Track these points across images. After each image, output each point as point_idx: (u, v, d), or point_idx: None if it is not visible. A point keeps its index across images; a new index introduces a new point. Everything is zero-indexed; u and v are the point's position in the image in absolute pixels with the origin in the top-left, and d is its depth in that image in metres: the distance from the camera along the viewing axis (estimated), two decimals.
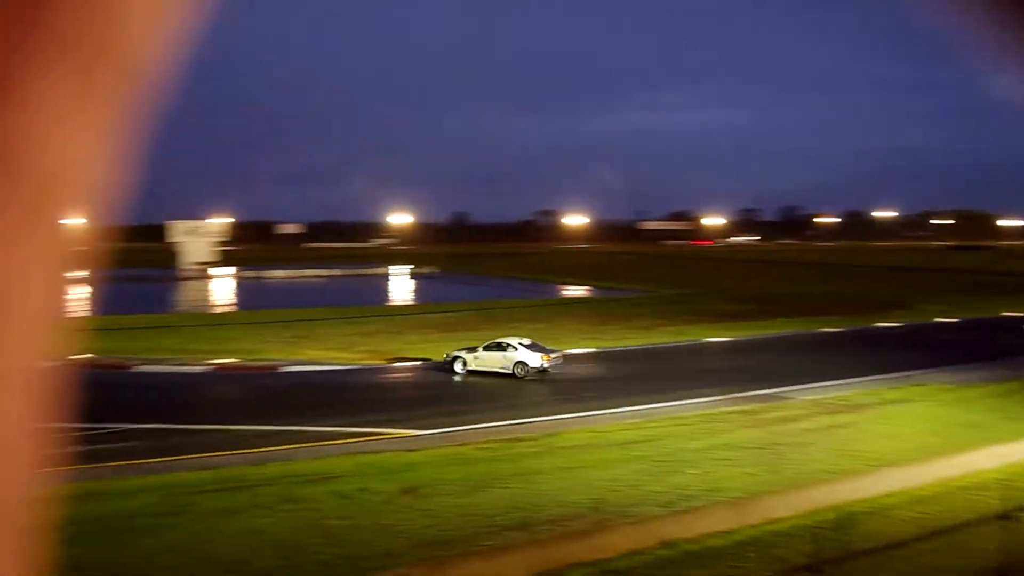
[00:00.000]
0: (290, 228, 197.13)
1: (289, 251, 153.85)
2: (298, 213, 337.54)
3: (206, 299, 70.91)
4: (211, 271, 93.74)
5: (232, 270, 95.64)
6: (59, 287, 0.82)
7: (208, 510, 17.79)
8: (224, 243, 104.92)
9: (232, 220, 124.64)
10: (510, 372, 33.07)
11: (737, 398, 28.83)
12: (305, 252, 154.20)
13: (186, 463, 21.25)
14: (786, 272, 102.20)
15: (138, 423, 24.96)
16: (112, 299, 66.72)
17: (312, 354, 37.74)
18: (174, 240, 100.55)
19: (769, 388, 30.26)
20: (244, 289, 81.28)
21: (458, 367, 34.00)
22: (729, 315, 54.04)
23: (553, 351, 34.51)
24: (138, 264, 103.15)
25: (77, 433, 21.65)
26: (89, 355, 36.21)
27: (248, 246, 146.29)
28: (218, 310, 63.13)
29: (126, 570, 14.88)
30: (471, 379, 32.89)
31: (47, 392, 0.79)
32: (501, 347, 33.78)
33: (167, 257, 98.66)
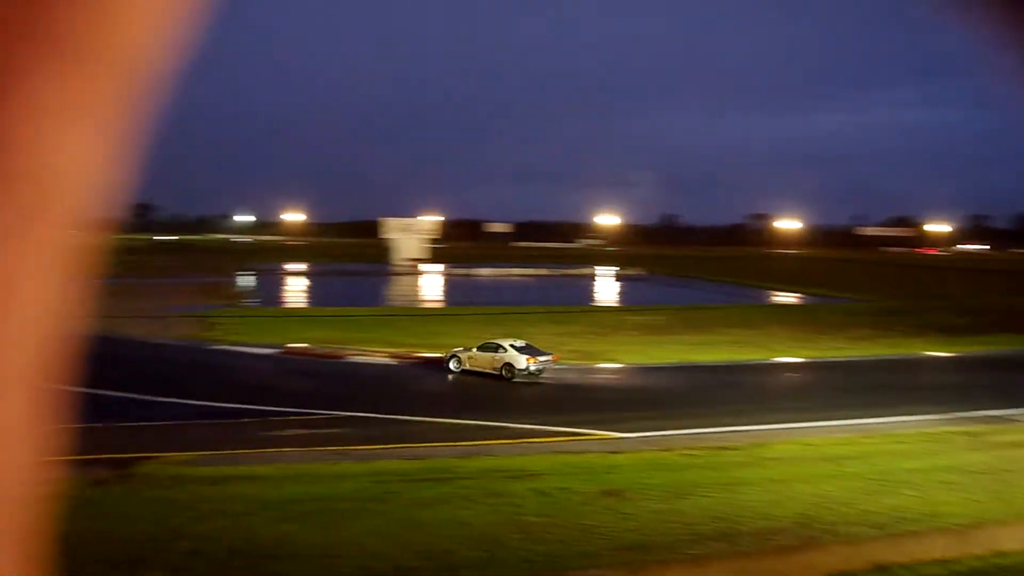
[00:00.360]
0: (498, 227, 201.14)
1: (497, 250, 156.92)
2: (506, 212, 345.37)
3: (416, 294, 73.30)
4: (422, 267, 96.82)
5: (442, 267, 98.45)
6: (61, 288, 0.79)
7: (413, 499, 18.21)
8: (435, 240, 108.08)
9: (443, 218, 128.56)
10: (498, 373, 32.45)
11: (960, 418, 26.68)
12: (512, 251, 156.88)
13: (393, 452, 21.93)
14: (1018, 284, 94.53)
15: (349, 411, 26.05)
16: (328, 292, 70.48)
17: None
18: (387, 237, 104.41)
19: (996, 409, 27.80)
20: (453, 286, 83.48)
21: (452, 365, 33.54)
22: (952, 328, 50.27)
23: (543, 354, 33.19)
24: (352, 259, 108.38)
25: (293, 418, 22.90)
26: (305, 344, 38.26)
27: (457, 244, 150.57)
28: (428, 305, 65.08)
29: (336, 550, 15.39)
30: (672, 382, 32.36)
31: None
32: (493, 347, 33.24)
33: (380, 253, 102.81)
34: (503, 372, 32.52)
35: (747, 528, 16.84)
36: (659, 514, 17.62)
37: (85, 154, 0.75)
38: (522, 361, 32.42)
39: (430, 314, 56.27)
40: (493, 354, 33.09)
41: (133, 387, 28.87)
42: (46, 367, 0.77)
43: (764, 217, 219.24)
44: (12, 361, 0.73)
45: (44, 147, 0.71)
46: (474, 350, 33.66)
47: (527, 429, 24.52)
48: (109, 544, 15.31)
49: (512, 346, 33.16)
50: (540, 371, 32.58)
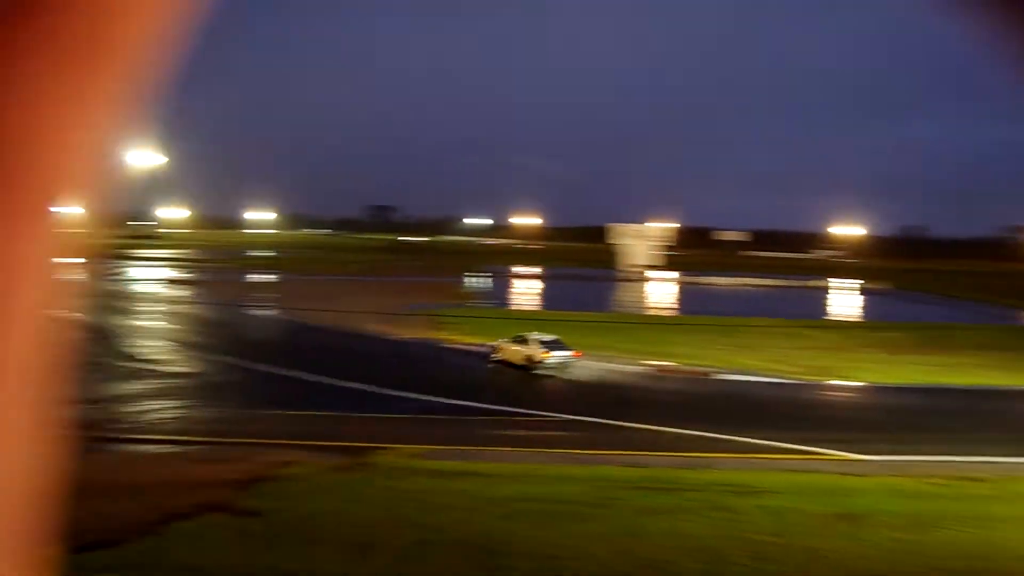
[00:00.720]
0: (731, 235, 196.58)
1: (729, 258, 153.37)
2: (740, 220, 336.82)
3: (645, 301, 72.80)
4: (651, 274, 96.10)
5: (671, 274, 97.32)
6: (58, 281, 0.80)
7: (635, 506, 17.99)
8: (665, 247, 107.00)
9: (674, 225, 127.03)
10: (523, 365, 33.55)
11: None
12: (745, 260, 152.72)
13: (616, 458, 21.78)
14: None
15: (574, 415, 26.18)
16: (557, 295, 71.30)
17: (748, 363, 36.96)
18: (616, 242, 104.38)
19: None
20: (682, 293, 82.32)
21: (493, 356, 35.08)
22: None
23: (564, 349, 33.91)
24: (582, 264, 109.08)
25: (519, 418, 23.24)
26: None
27: (688, 251, 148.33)
28: (656, 313, 64.45)
29: (557, 551, 15.43)
30: (911, 404, 30.31)
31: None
32: (521, 340, 34.49)
33: (610, 258, 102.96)
34: (525, 364, 33.70)
35: (999, 568, 15.41)
36: (897, 544, 16.46)
37: (85, 149, 0.75)
38: (538, 355, 33.60)
39: (658, 322, 55.67)
40: (520, 346, 34.48)
41: (370, 380, 30.38)
42: (45, 360, 0.77)
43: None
44: (12, 356, 0.73)
45: (44, 142, 0.72)
46: (507, 341, 35.17)
47: (756, 444, 23.64)
48: (344, 526, 16.11)
49: (540, 340, 34.35)
50: (559, 365, 33.42)
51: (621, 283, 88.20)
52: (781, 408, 29.03)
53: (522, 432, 24.38)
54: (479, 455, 21.72)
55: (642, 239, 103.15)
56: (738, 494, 19.01)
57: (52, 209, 0.74)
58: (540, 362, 33.52)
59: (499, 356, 35.29)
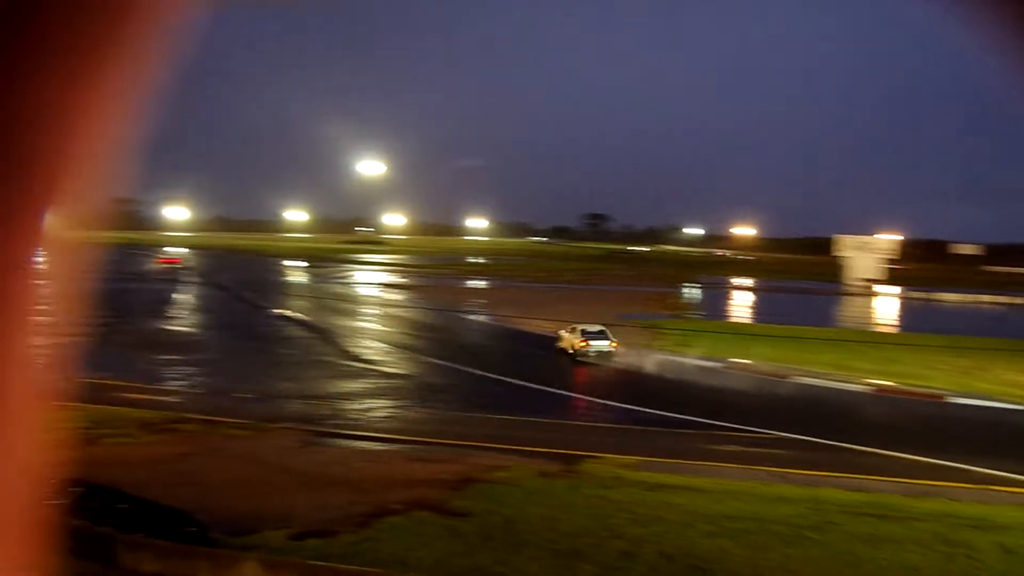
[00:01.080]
0: (966, 248, 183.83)
1: (964, 273, 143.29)
2: (976, 233, 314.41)
3: (869, 316, 69.22)
4: (877, 288, 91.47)
5: (900, 289, 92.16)
6: (65, 279, 0.81)
7: (854, 533, 17.01)
8: (893, 260, 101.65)
9: (903, 237, 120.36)
10: (571, 352, 37.40)
11: None
12: (983, 275, 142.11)
13: (834, 480, 20.73)
14: None
15: (787, 432, 25.19)
16: (775, 308, 69.02)
17: (985, 388, 34.16)
18: (841, 255, 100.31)
19: None
20: (910, 309, 77.56)
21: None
22: None
23: (603, 339, 37.43)
24: (803, 276, 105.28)
25: (733, 433, 22.65)
26: (749, 361, 37.77)
27: (918, 265, 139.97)
28: (881, 329, 61.08)
29: (767, 573, 14.85)
30: None
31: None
32: (573, 330, 38.28)
33: (833, 271, 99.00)
34: (570, 350, 37.64)
35: None
36: None
37: (90, 149, 0.76)
38: (576, 343, 37.48)
39: (884, 340, 52.68)
40: (569, 335, 38.31)
41: (579, 389, 30.59)
42: (47, 359, 0.78)
43: None
44: (13, 353, 0.74)
45: (49, 142, 0.73)
46: (567, 331, 38.87)
47: (995, 476, 21.80)
48: (552, 532, 16.19)
49: (585, 330, 38.03)
50: (596, 353, 36.97)
51: (845, 298, 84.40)
52: (1021, 437, 26.69)
53: (735, 447, 23.71)
54: (691, 469, 21.30)
55: (869, 251, 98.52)
56: (972, 527, 17.55)
57: (51, 210, 0.74)
58: (579, 351, 37.30)
59: (559, 345, 38.95)
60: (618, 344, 37.66)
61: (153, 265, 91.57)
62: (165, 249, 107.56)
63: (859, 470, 21.74)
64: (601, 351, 37.19)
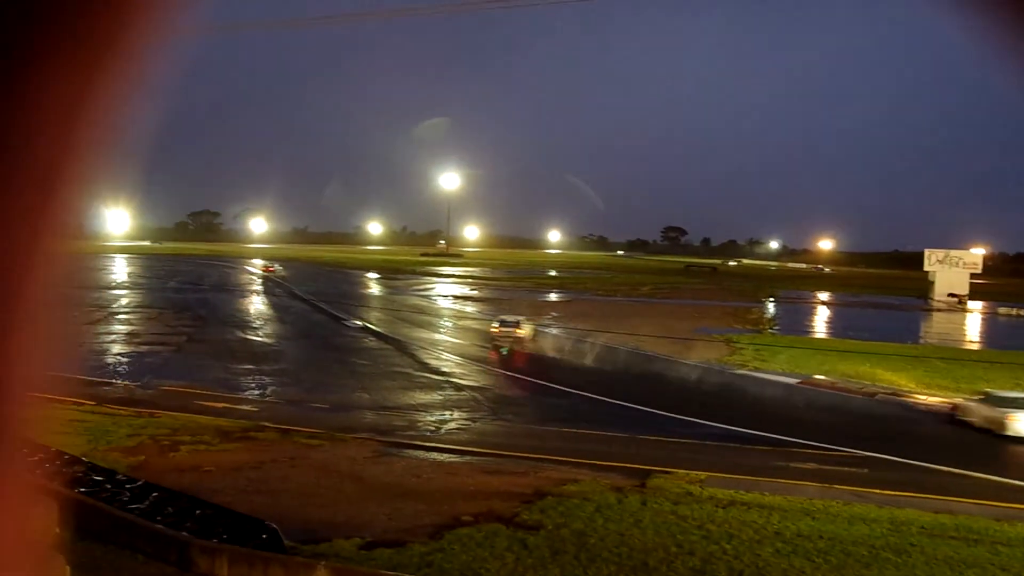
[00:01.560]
0: None
1: None
2: None
3: (957, 333, 67.17)
4: (966, 304, 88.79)
5: (990, 305, 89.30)
6: (58, 279, 0.82)
7: (935, 556, 16.45)
8: (981, 275, 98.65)
9: (993, 251, 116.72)
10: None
11: None
12: None
13: (917, 501, 20.09)
14: None
15: (870, 451, 24.55)
16: (857, 324, 67.39)
17: None
18: (927, 269, 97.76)
19: None
20: (1001, 326, 75.05)
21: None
22: None
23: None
24: (887, 291, 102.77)
25: (810, 451, 22.12)
26: (829, 377, 37.00)
27: (1011, 280, 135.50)
28: (968, 347, 59.19)
29: None
30: None
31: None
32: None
33: (918, 286, 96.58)
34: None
35: None
36: None
37: (85, 151, 0.76)
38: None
39: (970, 357, 51.01)
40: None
41: (652, 403, 30.27)
42: (40, 358, 0.78)
43: None
44: (11, 353, 0.75)
45: (45, 143, 0.73)
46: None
47: None
48: (623, 547, 16.04)
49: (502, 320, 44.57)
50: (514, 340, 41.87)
51: (931, 313, 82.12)
52: None
53: (811, 465, 23.16)
54: (765, 486, 20.87)
55: (956, 266, 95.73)
56: None
57: (56, 209, 0.75)
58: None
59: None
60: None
61: (261, 273, 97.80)
62: (260, 260, 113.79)
63: (942, 491, 21.03)
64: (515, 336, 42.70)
